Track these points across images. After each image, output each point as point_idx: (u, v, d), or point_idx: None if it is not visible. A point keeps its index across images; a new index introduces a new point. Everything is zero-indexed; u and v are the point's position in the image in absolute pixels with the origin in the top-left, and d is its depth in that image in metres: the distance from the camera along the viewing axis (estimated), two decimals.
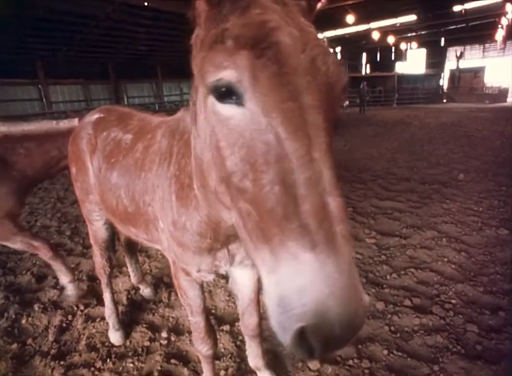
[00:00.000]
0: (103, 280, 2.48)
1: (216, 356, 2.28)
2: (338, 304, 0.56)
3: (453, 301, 2.73)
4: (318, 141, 0.64)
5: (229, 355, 2.28)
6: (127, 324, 2.60)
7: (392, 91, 26.09)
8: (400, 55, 28.76)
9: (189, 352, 2.33)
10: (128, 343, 2.43)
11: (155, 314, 2.75)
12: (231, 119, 0.69)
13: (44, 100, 18.40)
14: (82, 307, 2.83)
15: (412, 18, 16.97)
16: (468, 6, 15.60)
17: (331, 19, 16.55)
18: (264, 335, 2.08)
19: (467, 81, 24.58)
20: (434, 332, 2.40)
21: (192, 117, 0.94)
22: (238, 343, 2.39)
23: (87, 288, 3.12)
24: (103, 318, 2.64)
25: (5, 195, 2.51)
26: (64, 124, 2.77)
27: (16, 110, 16.76)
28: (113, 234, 2.39)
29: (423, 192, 5.27)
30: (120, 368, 2.22)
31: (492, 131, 10.53)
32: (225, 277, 2.36)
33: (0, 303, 2.92)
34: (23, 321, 2.69)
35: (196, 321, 1.76)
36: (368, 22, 17.29)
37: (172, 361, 2.24)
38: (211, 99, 0.73)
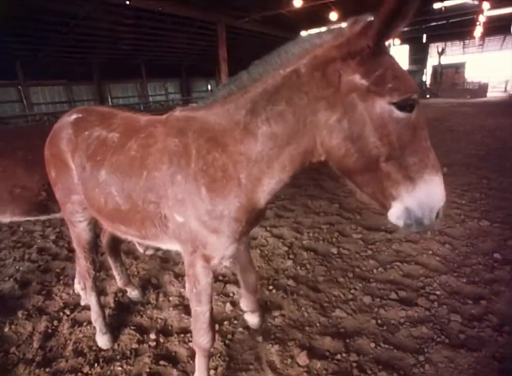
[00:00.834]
0: (88, 283, 2.42)
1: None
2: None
3: (437, 292, 2.79)
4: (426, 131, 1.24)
5: (218, 354, 2.28)
6: (114, 327, 2.57)
7: None
8: None
9: (178, 353, 2.33)
10: (116, 346, 2.41)
11: (144, 315, 2.73)
12: (401, 119, 1.17)
13: (24, 101, 17.97)
14: (68, 312, 2.78)
15: None
16: (447, 3, 15.85)
17: (315, 16, 16.60)
18: None
19: (449, 76, 25.05)
20: (420, 324, 2.45)
21: (299, 122, 1.31)
22: (227, 342, 2.40)
23: (73, 291, 3.07)
24: (90, 322, 2.60)
25: None
26: None
27: None
28: (96, 236, 2.35)
29: None
30: (109, 372, 2.19)
31: (474, 126, 10.77)
32: None
33: None
34: (6, 329, 2.63)
35: (202, 311, 1.80)
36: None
37: (161, 362, 2.23)
38: (390, 107, 1.16)
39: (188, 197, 1.50)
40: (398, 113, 1.16)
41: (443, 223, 4.01)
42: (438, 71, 25.03)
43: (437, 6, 16.25)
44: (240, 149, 1.42)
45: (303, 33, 20.52)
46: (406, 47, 28.11)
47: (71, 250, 3.85)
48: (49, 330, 2.59)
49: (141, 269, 3.43)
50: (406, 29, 23.11)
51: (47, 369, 2.23)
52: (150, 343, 2.41)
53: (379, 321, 2.51)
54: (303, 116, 1.30)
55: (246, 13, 14.82)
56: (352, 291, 2.88)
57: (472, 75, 25.67)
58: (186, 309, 2.76)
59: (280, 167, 1.41)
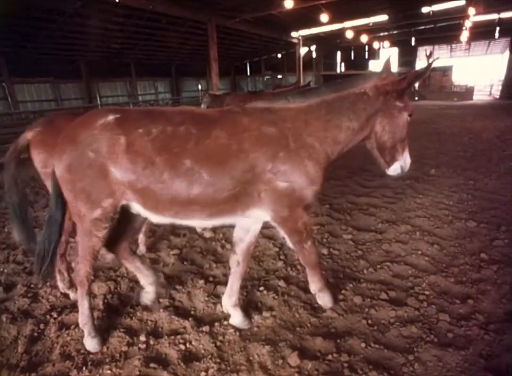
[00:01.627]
0: (84, 288, 2.33)
1: (195, 357, 2.27)
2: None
3: (426, 292, 2.83)
4: None
5: (209, 356, 2.27)
6: (104, 330, 2.52)
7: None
8: (374, 54, 29.39)
9: (168, 355, 2.30)
10: (105, 349, 2.36)
11: (133, 317, 2.69)
12: (408, 122, 2.26)
13: (9, 99, 17.58)
14: (55, 315, 2.72)
15: (384, 17, 17.35)
16: (435, 7, 16.11)
17: (306, 17, 16.69)
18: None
19: (437, 79, 25.43)
20: (409, 323, 2.48)
21: (368, 121, 2.24)
22: (218, 343, 2.38)
23: (60, 294, 3.01)
24: (78, 325, 2.55)
25: None
26: None
27: None
28: None
29: (397, 187, 5.42)
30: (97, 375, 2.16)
31: (461, 128, 10.97)
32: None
33: None
34: None
35: (309, 245, 2.38)
36: (341, 21, 17.53)
37: (151, 365, 2.20)
38: (407, 117, 2.26)
39: (292, 167, 2.08)
40: (408, 119, 2.27)
41: (432, 223, 4.08)
42: (426, 74, 25.41)
43: (425, 10, 16.51)
44: (326, 134, 2.19)
45: (294, 34, 20.65)
46: (396, 50, 28.49)
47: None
48: (35, 334, 2.53)
49: (130, 271, 3.38)
50: (395, 32, 23.47)
51: (33, 374, 2.17)
52: (140, 345, 2.38)
53: (370, 321, 2.53)
54: (369, 118, 2.23)
55: (237, 14, 14.81)
56: (343, 291, 2.89)
57: (458, 78, 26.13)
58: (177, 311, 2.74)
59: (350, 145, 2.33)
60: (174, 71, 27.62)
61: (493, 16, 19.06)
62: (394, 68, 28.08)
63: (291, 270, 3.24)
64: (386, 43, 26.65)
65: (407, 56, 28.22)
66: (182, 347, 2.37)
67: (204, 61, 22.27)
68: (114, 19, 14.37)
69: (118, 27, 15.53)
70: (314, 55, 27.28)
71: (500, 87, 23.59)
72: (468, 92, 22.58)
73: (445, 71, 25.36)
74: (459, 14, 16.83)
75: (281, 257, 3.47)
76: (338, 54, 30.44)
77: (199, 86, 30.85)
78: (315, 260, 2.50)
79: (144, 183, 1.98)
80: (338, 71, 30.23)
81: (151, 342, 2.41)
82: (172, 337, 2.45)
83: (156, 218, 2.20)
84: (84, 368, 2.20)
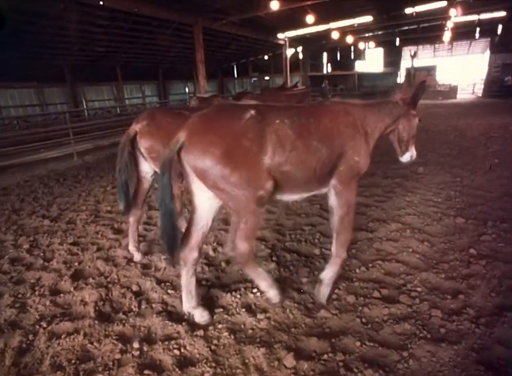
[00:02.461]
0: (252, 264, 2.65)
1: (190, 362, 2.25)
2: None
3: (418, 289, 2.86)
4: None
5: (204, 361, 2.24)
6: (95, 338, 2.48)
7: (353, 89, 26.99)
8: (360, 54, 29.73)
9: (163, 361, 2.27)
10: (98, 358, 2.32)
11: (126, 324, 2.65)
12: (417, 124, 3.02)
13: None
14: (44, 324, 2.65)
15: (368, 18, 17.56)
16: (418, 9, 16.39)
17: (292, 19, 16.78)
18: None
19: (422, 78, 25.91)
20: (403, 320, 2.51)
21: (396, 121, 2.93)
22: (213, 347, 2.36)
23: (50, 302, 2.94)
24: (69, 334, 2.51)
25: None
26: None
27: None
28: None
29: (386, 186, 5.49)
30: None
31: (447, 126, 11.18)
32: None
33: None
34: None
35: (349, 221, 2.76)
36: (327, 22, 17.67)
37: (146, 372, 2.17)
38: (417, 120, 2.99)
39: (361, 145, 2.69)
40: (418, 123, 3.01)
41: (422, 221, 4.13)
42: (411, 73, 25.76)
43: (408, 11, 16.78)
44: (375, 125, 2.82)
45: (280, 35, 20.74)
46: (381, 50, 28.88)
47: (47, 259, 3.72)
48: (24, 345, 2.46)
49: (122, 276, 3.34)
50: (380, 32, 23.80)
51: None
52: (134, 352, 2.34)
53: (363, 319, 2.55)
54: (396, 119, 2.91)
55: (224, 16, 14.79)
56: (336, 290, 2.90)
57: (442, 77, 26.64)
58: (170, 316, 2.71)
59: (383, 135, 2.96)
60: (161, 74, 27.40)
61: (473, 17, 19.51)
62: (380, 67, 28.54)
63: (284, 271, 3.24)
64: (372, 44, 26.99)
65: (392, 56, 28.65)
66: (177, 352, 2.34)
67: (191, 64, 22.15)
68: (98, 22, 14.15)
69: (103, 30, 15.29)
70: (300, 56, 27.42)
71: (482, 86, 24.17)
72: (452, 91, 23.01)
73: (430, 71, 25.84)
74: (441, 15, 17.18)
75: (274, 258, 3.47)
76: (325, 54, 30.68)
77: (187, 89, 30.67)
78: (348, 239, 2.84)
79: (288, 163, 2.40)
80: (325, 72, 30.46)
81: (145, 348, 2.38)
82: (166, 343, 2.42)
83: (280, 196, 2.67)
84: None
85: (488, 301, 2.67)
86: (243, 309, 2.72)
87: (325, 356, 2.24)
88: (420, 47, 28.09)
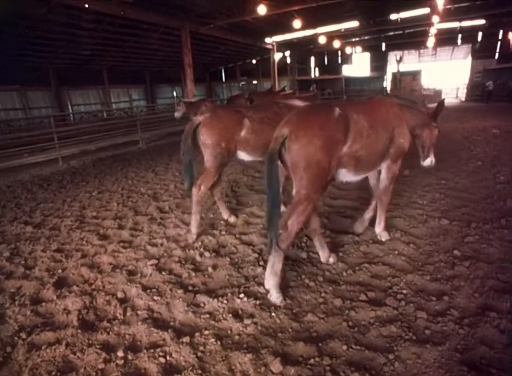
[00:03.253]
0: (290, 242, 2.94)
1: (176, 369, 2.21)
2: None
3: (404, 291, 2.88)
4: None
5: (190, 368, 2.21)
6: (78, 348, 2.42)
7: (340, 93, 27.25)
8: (347, 59, 30.10)
9: (148, 370, 2.23)
10: (80, 368, 2.26)
11: (110, 332, 2.59)
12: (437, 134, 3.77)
13: None
14: (24, 336, 2.57)
15: (355, 24, 17.82)
16: (402, 15, 16.76)
17: (279, 24, 16.91)
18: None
19: (407, 83, 26.34)
20: (389, 323, 2.52)
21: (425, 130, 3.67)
22: (199, 354, 2.33)
23: (30, 312, 2.86)
24: (50, 344, 2.44)
25: None
26: None
27: None
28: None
29: None
30: None
31: None
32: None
33: None
34: None
35: (391, 188, 3.74)
36: (314, 27, 17.87)
37: None
38: (437, 131, 3.72)
39: (404, 130, 3.42)
40: (437, 134, 3.72)
41: (408, 223, 4.18)
42: (397, 78, 26.25)
43: (393, 17, 17.12)
44: (410, 121, 3.50)
45: (268, 40, 20.87)
46: (367, 55, 29.32)
47: (29, 267, 3.63)
48: (1, 359, 2.37)
49: (106, 283, 3.27)
50: (366, 37, 24.19)
51: None
52: (118, 361, 2.29)
53: (350, 323, 2.55)
54: (421, 126, 3.61)
55: (211, 20, 14.82)
56: (323, 294, 2.90)
57: (427, 82, 27.20)
58: (156, 323, 2.67)
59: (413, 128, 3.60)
60: (148, 78, 27.25)
61: (455, 24, 20.07)
62: (367, 72, 28.97)
63: None
64: (359, 48, 27.44)
65: (379, 61, 29.11)
66: (162, 360, 2.30)
67: (179, 68, 22.09)
68: (84, 25, 13.99)
69: (88, 33, 15.13)
70: (288, 60, 27.64)
71: (465, 91, 24.78)
72: (436, 95, 23.52)
73: (415, 75, 26.36)
74: (424, 21, 17.57)
75: (261, 263, 3.45)
76: (312, 59, 30.98)
77: (175, 93, 30.55)
78: (389, 201, 3.82)
79: (362, 149, 3.03)
80: (313, 76, 30.74)
81: (130, 357, 2.33)
82: (151, 350, 2.38)
83: (350, 178, 3.28)
84: None
85: (471, 302, 2.71)
86: (230, 315, 2.69)
87: (312, 360, 2.23)
88: (406, 52, 28.61)
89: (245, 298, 2.88)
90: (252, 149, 4.07)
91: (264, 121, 4.00)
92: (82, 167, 8.92)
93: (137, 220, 4.82)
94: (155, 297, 2.99)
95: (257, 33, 19.28)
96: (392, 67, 28.11)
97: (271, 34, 19.97)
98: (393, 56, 27.86)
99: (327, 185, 3.06)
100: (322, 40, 19.27)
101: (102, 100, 24.01)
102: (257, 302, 2.84)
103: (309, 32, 18.54)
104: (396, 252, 3.52)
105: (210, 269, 3.39)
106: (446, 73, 28.52)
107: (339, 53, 29.25)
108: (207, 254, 3.69)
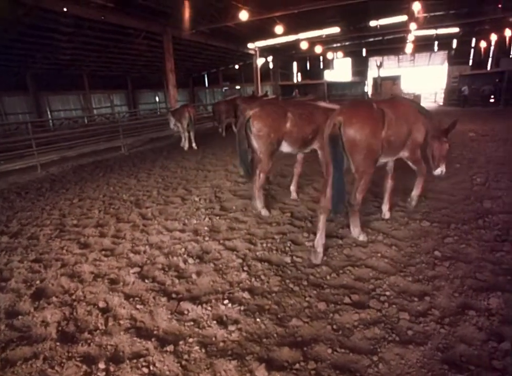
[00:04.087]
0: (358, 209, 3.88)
1: None
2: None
3: (387, 293, 2.92)
4: None
5: None
6: (57, 362, 2.34)
7: (322, 98, 27.66)
8: (328, 64, 30.61)
9: None
10: None
11: (91, 344, 2.52)
12: (447, 148, 4.47)
13: None
14: None
15: (336, 30, 18.19)
16: (381, 22, 17.27)
17: (261, 29, 17.08)
18: None
19: (388, 87, 26.94)
20: (373, 325, 2.54)
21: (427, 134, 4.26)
22: (184, 363, 2.29)
23: (5, 326, 2.75)
24: (26, 359, 2.35)
25: None
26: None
27: None
28: None
29: None
30: None
31: None
32: None
33: None
34: None
35: (423, 165, 4.36)
36: (296, 33, 18.15)
37: None
38: (447, 145, 4.37)
39: (420, 125, 4.04)
40: (448, 148, 4.34)
41: (390, 226, 4.25)
42: (378, 83, 26.84)
43: (372, 23, 17.58)
44: (424, 122, 4.13)
45: (251, 45, 21.02)
46: (349, 60, 29.90)
47: (4, 279, 3.52)
48: None
49: (88, 293, 3.19)
50: (347, 43, 24.68)
51: None
52: (99, 373, 2.23)
53: (334, 326, 2.56)
54: (432, 138, 4.28)
55: (193, 25, 14.81)
56: (307, 298, 2.91)
57: (406, 87, 27.93)
58: (139, 332, 2.61)
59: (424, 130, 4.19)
60: (130, 83, 26.93)
61: (432, 32, 20.80)
62: (348, 77, 29.50)
63: (255, 281, 3.21)
64: (340, 54, 27.99)
65: (360, 66, 29.73)
66: (145, 370, 2.25)
67: (161, 73, 21.95)
68: (63, 29, 13.74)
69: (67, 38, 14.86)
70: (271, 66, 27.88)
71: (443, 95, 25.57)
72: (416, 99, 24.13)
73: (395, 80, 26.99)
74: (403, 28, 18.11)
75: (245, 268, 3.44)
76: (295, 64, 31.37)
77: (157, 98, 30.30)
78: (425, 171, 4.44)
79: (392, 136, 3.71)
80: (295, 81, 31.08)
81: (112, 368, 2.27)
82: (134, 361, 2.33)
83: (382, 160, 3.95)
84: None
85: (451, 301, 2.77)
86: (214, 322, 2.67)
87: (297, 365, 2.22)
88: (386, 57, 29.33)
89: (229, 305, 2.86)
90: (293, 141, 4.67)
91: (302, 117, 4.62)
92: (62, 174, 8.70)
93: (119, 227, 4.72)
94: (138, 306, 2.93)
95: (239, 39, 19.40)
96: (372, 72, 28.73)
97: (253, 39, 20.14)
98: (373, 62, 28.50)
99: (377, 161, 3.76)
100: (304, 45, 19.58)
101: (83, 106, 23.56)
102: (242, 307, 2.82)
103: (291, 38, 18.80)
104: (379, 254, 3.57)
105: (194, 276, 3.35)
106: (425, 78, 29.36)
107: (321, 58, 29.74)
108: (190, 260, 3.65)
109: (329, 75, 30.04)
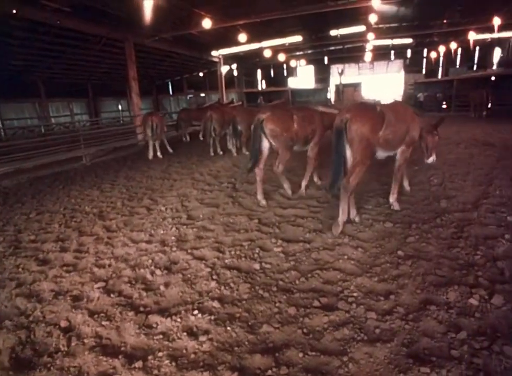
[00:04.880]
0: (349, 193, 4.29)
1: None
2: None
3: (354, 294, 2.99)
4: None
5: None
6: None
7: (287, 104, 28.20)
8: (292, 71, 31.28)
9: None
10: None
11: (51, 367, 2.36)
12: (437, 139, 5.35)
13: None
14: None
15: (298, 38, 18.64)
16: (341, 31, 17.99)
17: (225, 37, 17.17)
18: None
19: (349, 94, 28.02)
20: (342, 326, 2.59)
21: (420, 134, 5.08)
22: None
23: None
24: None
25: None
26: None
27: None
28: None
29: (321, 197, 5.73)
30: None
31: None
32: None
33: None
34: None
35: (405, 166, 5.18)
36: (259, 41, 18.40)
37: None
38: (437, 137, 5.20)
39: (416, 125, 4.77)
40: (437, 139, 5.18)
41: (355, 228, 4.38)
42: (340, 90, 27.82)
43: (333, 33, 18.26)
44: (419, 122, 4.89)
45: (215, 53, 21.05)
46: (312, 68, 30.74)
47: None
48: None
49: (47, 312, 2.99)
50: (310, 51, 25.39)
51: None
52: None
53: (305, 330, 2.59)
54: (426, 133, 5.09)
55: (156, 32, 14.61)
56: (277, 304, 2.92)
57: (367, 93, 29.15)
58: (105, 350, 2.49)
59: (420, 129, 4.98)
60: (91, 91, 25.99)
61: (388, 41, 21.96)
62: (312, 84, 30.31)
63: (225, 289, 3.18)
64: (303, 61, 28.72)
65: (322, 73, 30.64)
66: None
67: (124, 81, 21.38)
68: (14, 33, 12.97)
69: (20, 42, 14.06)
70: (235, 73, 28.04)
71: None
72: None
73: (356, 87, 28.14)
74: (361, 38, 18.95)
75: (214, 277, 3.40)
76: (259, 71, 31.76)
77: (120, 107, 29.46)
78: (403, 175, 5.33)
79: (390, 134, 4.33)
80: (260, 88, 31.47)
81: None
82: None
83: (382, 154, 4.67)
84: None
85: (414, 298, 2.89)
86: (184, 333, 2.61)
87: (269, 372, 2.21)
88: (347, 65, 30.45)
89: (199, 315, 2.81)
90: (298, 140, 5.43)
91: (305, 119, 5.44)
92: (17, 187, 8.17)
93: (82, 241, 4.51)
94: (103, 322, 2.80)
95: (203, 46, 19.38)
96: (334, 79, 29.72)
97: (217, 47, 20.19)
98: (335, 69, 29.51)
99: (373, 155, 4.41)
100: (268, 53, 19.90)
101: (39, 114, 22.40)
102: (212, 317, 2.78)
103: (254, 46, 19.02)
104: (346, 257, 3.66)
105: (162, 287, 3.26)
106: (384, 85, 30.79)
107: (285, 65, 30.32)
108: (158, 271, 3.56)
109: (293, 83, 30.69)
